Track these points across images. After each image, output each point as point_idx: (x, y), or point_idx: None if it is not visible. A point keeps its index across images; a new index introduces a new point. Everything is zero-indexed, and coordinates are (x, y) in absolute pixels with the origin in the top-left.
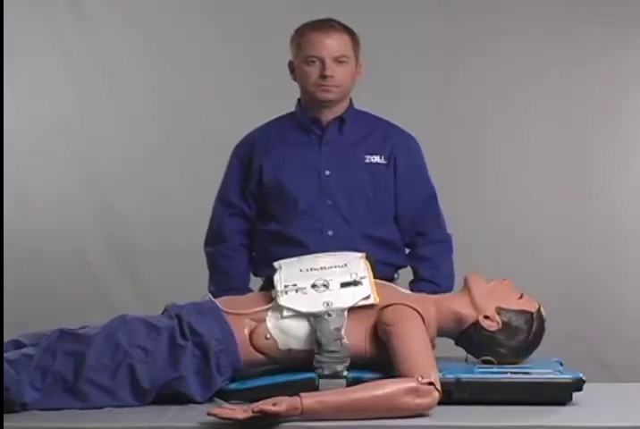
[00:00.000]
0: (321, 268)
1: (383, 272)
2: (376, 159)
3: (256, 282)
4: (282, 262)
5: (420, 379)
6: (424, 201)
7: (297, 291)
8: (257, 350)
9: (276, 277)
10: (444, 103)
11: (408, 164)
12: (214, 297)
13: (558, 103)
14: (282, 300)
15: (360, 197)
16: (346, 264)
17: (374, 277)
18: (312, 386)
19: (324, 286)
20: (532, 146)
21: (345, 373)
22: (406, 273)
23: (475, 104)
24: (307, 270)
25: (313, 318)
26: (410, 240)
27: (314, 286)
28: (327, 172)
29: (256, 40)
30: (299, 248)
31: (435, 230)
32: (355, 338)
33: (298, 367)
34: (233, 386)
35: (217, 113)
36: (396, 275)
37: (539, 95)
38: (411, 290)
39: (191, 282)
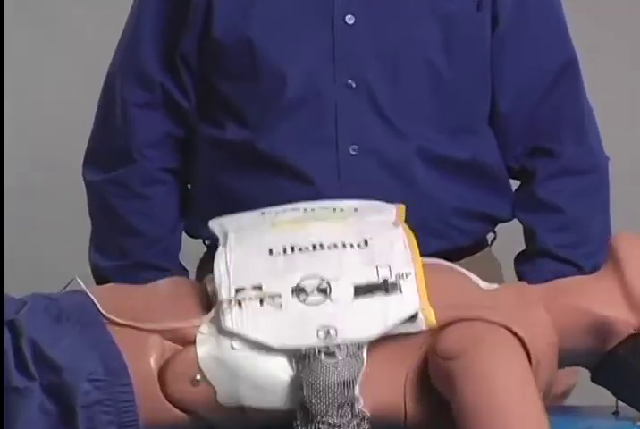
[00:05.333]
0: (313, 247)
1: (467, 230)
2: None
3: (193, 255)
4: (226, 221)
5: None
6: (553, 82)
7: (261, 302)
8: (175, 403)
9: (220, 265)
10: None
11: (521, 5)
12: (101, 281)
13: None
14: (229, 321)
15: (419, 74)
16: (366, 241)
17: (428, 251)
18: None
19: (320, 292)
20: None
21: None
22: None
23: None
24: (284, 251)
25: (295, 362)
26: (521, 166)
27: (299, 291)
28: (349, 19)
29: None
30: (289, 179)
31: (577, 145)
32: (384, 392)
33: None
34: None
35: None
36: (491, 235)
37: None
38: (519, 274)
39: (41, 254)
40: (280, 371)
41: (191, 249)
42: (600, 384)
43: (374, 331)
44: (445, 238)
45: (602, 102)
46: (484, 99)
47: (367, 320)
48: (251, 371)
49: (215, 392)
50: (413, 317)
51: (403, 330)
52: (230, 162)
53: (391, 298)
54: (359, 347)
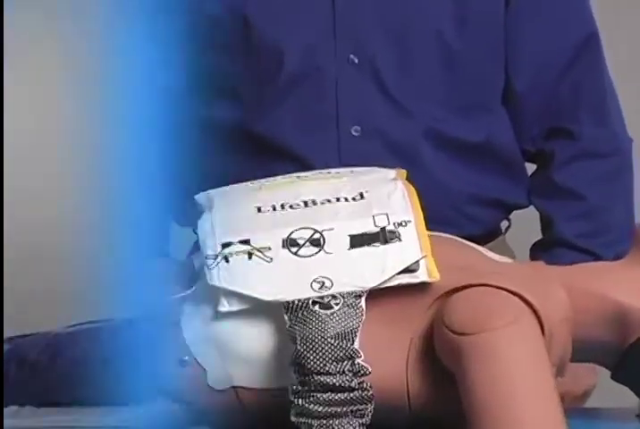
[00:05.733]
0: (305, 204)
1: (479, 218)
2: None
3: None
4: (212, 191)
5: None
6: (572, 58)
7: (250, 256)
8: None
9: (204, 224)
10: None
11: None
12: None
13: None
14: (216, 277)
15: (428, 47)
16: (362, 194)
17: (434, 228)
18: None
19: (313, 244)
20: None
21: None
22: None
23: None
24: (274, 208)
25: (288, 314)
26: (538, 149)
27: (290, 244)
28: None
29: None
30: (286, 163)
31: (597, 125)
32: (385, 357)
33: None
34: None
35: None
36: (504, 224)
37: None
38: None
39: None
40: (269, 340)
41: (181, 241)
42: (620, 383)
43: (372, 280)
44: (455, 226)
45: (623, 82)
46: (497, 76)
47: (365, 269)
48: (238, 342)
49: (205, 373)
50: (414, 267)
51: (404, 281)
52: (222, 144)
53: (390, 247)
54: (357, 296)
